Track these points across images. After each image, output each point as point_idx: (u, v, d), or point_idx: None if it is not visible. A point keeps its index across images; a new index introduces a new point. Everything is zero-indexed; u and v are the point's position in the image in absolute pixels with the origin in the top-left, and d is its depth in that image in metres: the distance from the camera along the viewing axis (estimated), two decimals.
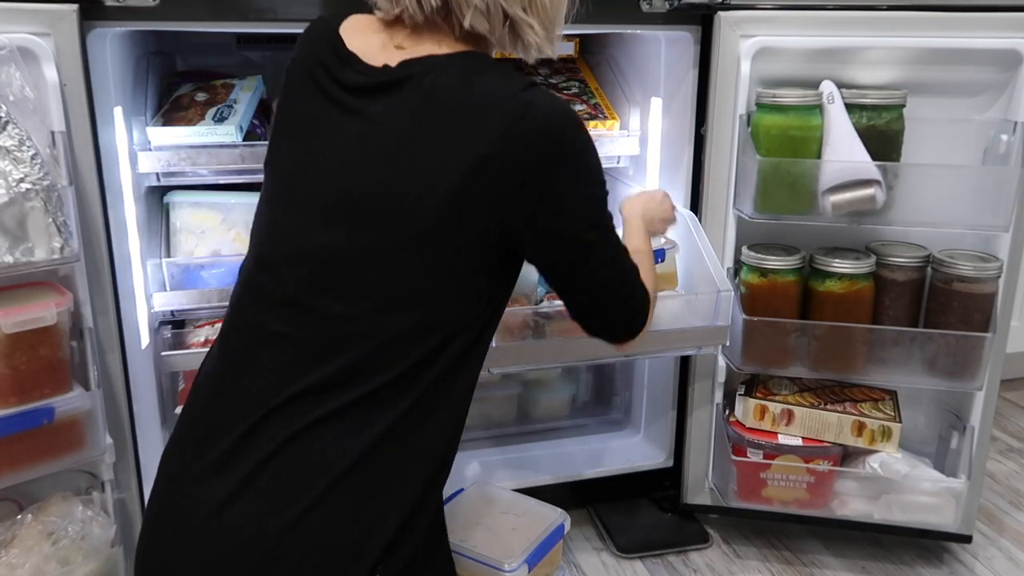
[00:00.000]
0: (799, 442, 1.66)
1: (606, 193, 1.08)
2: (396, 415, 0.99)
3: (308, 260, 1.02)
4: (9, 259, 1.20)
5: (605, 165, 1.87)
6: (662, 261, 1.55)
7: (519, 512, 1.53)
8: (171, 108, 1.59)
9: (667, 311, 1.59)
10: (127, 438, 1.48)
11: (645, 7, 1.56)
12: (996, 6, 1.55)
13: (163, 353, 1.53)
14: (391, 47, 1.04)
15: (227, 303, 1.11)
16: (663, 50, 1.73)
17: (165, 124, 1.55)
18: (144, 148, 1.53)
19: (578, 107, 1.79)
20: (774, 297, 1.63)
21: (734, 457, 1.68)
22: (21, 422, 1.26)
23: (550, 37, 1.07)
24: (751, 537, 1.85)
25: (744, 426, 1.69)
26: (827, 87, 1.55)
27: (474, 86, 0.98)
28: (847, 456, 1.68)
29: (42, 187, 1.21)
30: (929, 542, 1.81)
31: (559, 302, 1.16)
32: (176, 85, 1.67)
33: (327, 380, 0.98)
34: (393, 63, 1.02)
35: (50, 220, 1.23)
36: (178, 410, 1.11)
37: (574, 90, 1.85)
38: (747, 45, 1.55)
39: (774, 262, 1.62)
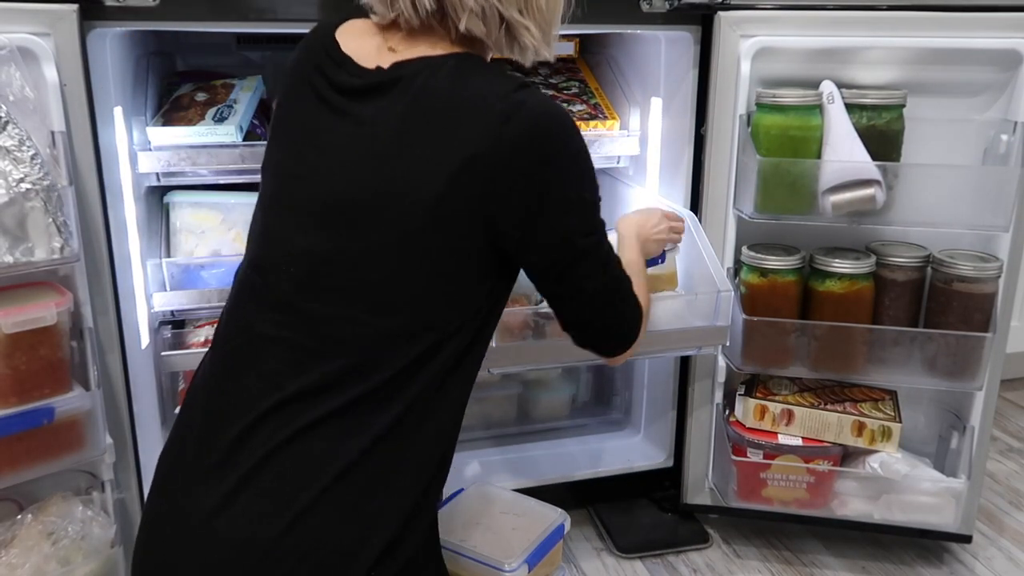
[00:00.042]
0: (799, 442, 1.66)
1: (598, 199, 1.08)
2: (391, 417, 0.99)
3: (300, 263, 1.02)
4: (9, 259, 1.20)
5: (605, 165, 1.91)
6: (662, 262, 1.56)
7: (519, 512, 1.53)
8: (171, 108, 1.59)
9: (667, 311, 1.59)
10: (127, 438, 1.48)
11: (645, 7, 1.56)
12: (996, 6, 1.55)
13: (163, 353, 1.53)
14: (385, 50, 1.04)
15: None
16: (663, 50, 1.73)
17: (165, 124, 1.55)
18: (144, 148, 1.53)
19: (578, 107, 1.79)
20: (774, 297, 1.63)
21: (734, 457, 1.68)
22: (21, 422, 1.26)
23: (547, 39, 1.07)
24: (751, 537, 1.85)
25: (744, 426, 1.69)
26: (827, 87, 1.55)
27: (464, 87, 0.98)
28: (847, 456, 1.68)
29: (42, 187, 1.21)
30: (929, 542, 1.81)
31: None
32: (176, 85, 1.67)
33: (321, 382, 0.99)
34: (386, 65, 1.02)
35: (50, 220, 1.23)
36: (177, 410, 1.11)
37: (574, 90, 1.85)
38: (747, 45, 1.55)
39: (774, 262, 1.62)
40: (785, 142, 1.55)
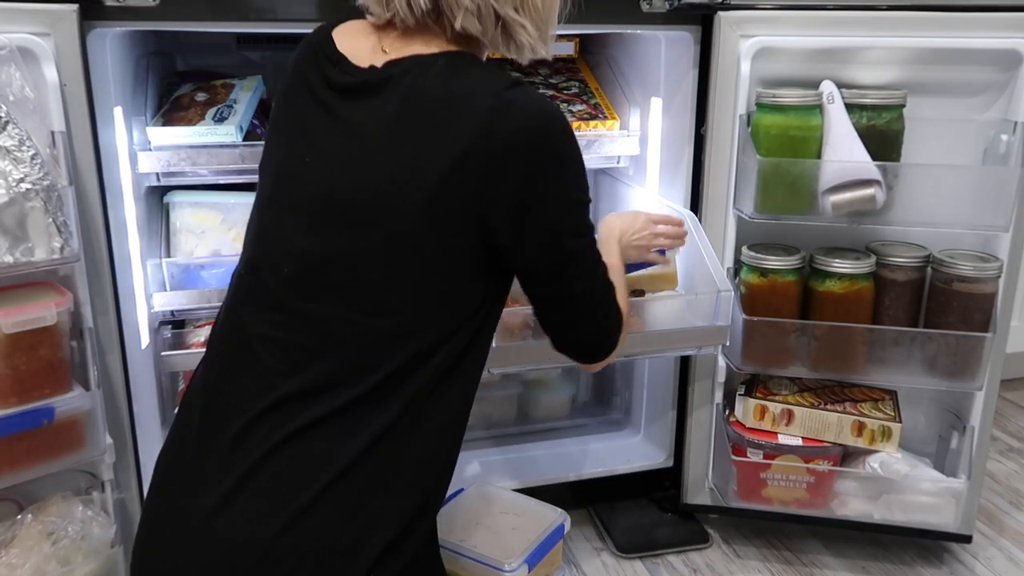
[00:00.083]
0: (799, 442, 1.66)
1: (589, 200, 1.07)
2: (389, 417, 0.99)
3: (294, 263, 1.02)
4: (9, 259, 1.20)
5: (605, 165, 1.91)
6: (662, 256, 1.56)
7: (519, 512, 1.53)
8: (171, 108, 1.59)
9: (667, 311, 1.59)
10: (127, 438, 1.48)
11: (645, 7, 1.56)
12: (996, 6, 1.55)
13: (163, 353, 1.53)
14: (379, 50, 1.04)
15: None
16: (663, 50, 1.73)
17: (165, 124, 1.55)
18: (144, 148, 1.53)
19: (578, 107, 1.79)
20: (774, 297, 1.63)
21: (734, 457, 1.68)
22: (21, 422, 1.26)
23: (543, 37, 1.07)
24: (751, 537, 1.85)
25: (744, 426, 1.69)
26: (827, 87, 1.55)
27: (455, 84, 0.98)
28: (847, 456, 1.68)
29: (42, 187, 1.21)
30: (929, 542, 1.81)
31: None
32: (176, 85, 1.67)
33: (318, 382, 0.99)
34: (379, 64, 1.02)
35: (50, 220, 1.23)
36: (176, 411, 1.11)
37: (574, 90, 1.85)
38: (747, 45, 1.55)
39: (774, 262, 1.62)
40: (785, 142, 1.55)
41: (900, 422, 1.64)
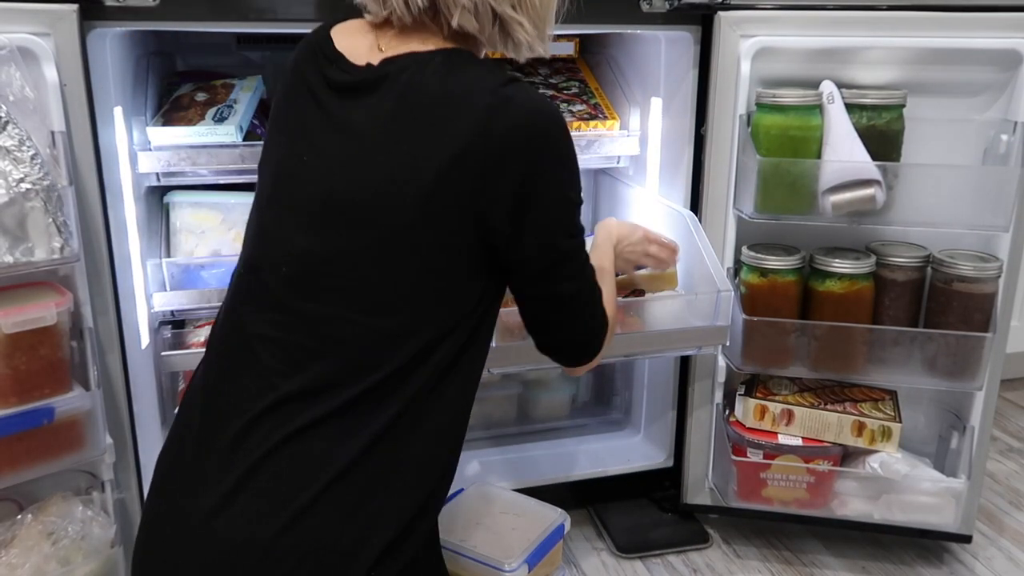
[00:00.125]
0: (799, 442, 1.66)
1: (581, 202, 1.07)
2: (388, 416, 0.99)
3: (293, 263, 1.02)
4: (9, 259, 1.20)
5: (605, 165, 1.91)
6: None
7: (519, 512, 1.53)
8: (171, 108, 1.59)
9: (667, 311, 1.59)
10: (127, 438, 1.48)
11: (645, 7, 1.56)
12: (996, 6, 1.55)
13: (163, 353, 1.53)
14: (376, 48, 1.04)
15: None
16: (663, 50, 1.73)
17: (165, 124, 1.55)
18: (144, 148, 1.53)
19: (578, 107, 1.79)
20: (774, 297, 1.63)
21: (734, 457, 1.68)
22: (21, 422, 1.26)
23: (541, 35, 1.07)
24: (751, 537, 1.85)
25: (744, 426, 1.69)
26: (827, 87, 1.55)
27: (452, 81, 0.98)
28: (847, 456, 1.68)
29: (42, 187, 1.21)
30: (929, 542, 1.81)
31: None
32: (176, 85, 1.67)
33: (316, 382, 0.99)
34: (376, 62, 1.02)
35: (50, 220, 1.23)
36: (176, 411, 1.11)
37: (574, 90, 1.85)
38: (747, 45, 1.55)
39: (774, 262, 1.62)
40: (785, 142, 1.55)
41: (900, 422, 1.64)
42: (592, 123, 1.75)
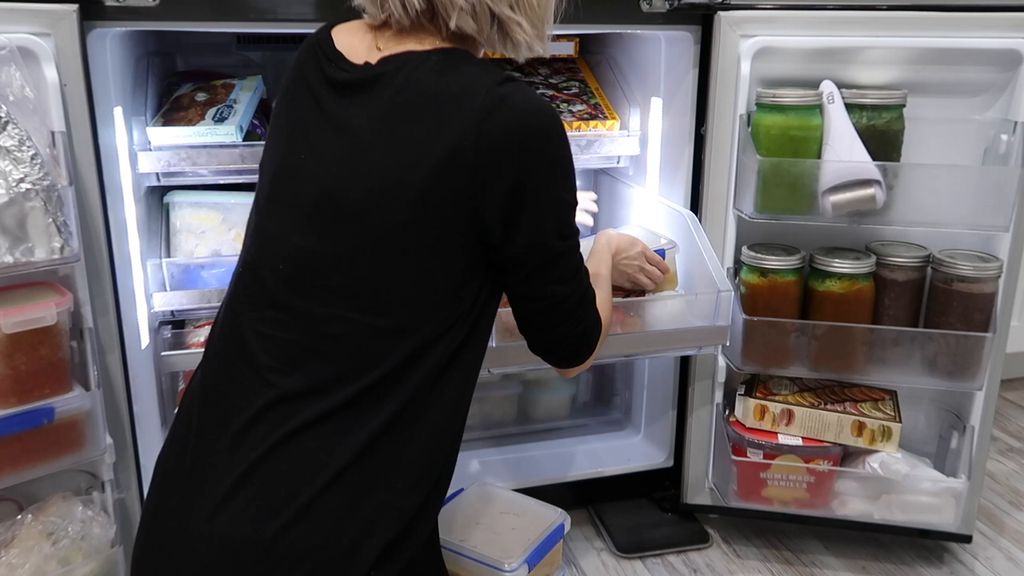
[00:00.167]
0: (799, 442, 1.66)
1: (576, 202, 1.08)
2: (386, 415, 0.99)
3: (289, 262, 1.02)
4: (9, 259, 1.20)
5: (605, 165, 1.91)
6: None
7: (519, 512, 1.53)
8: (171, 108, 1.59)
9: (667, 311, 1.59)
10: (127, 438, 1.48)
11: (645, 7, 1.56)
12: (996, 6, 1.55)
13: (163, 353, 1.53)
14: (374, 47, 1.04)
15: None
16: (663, 50, 1.73)
17: (165, 124, 1.55)
18: (144, 148, 1.53)
19: (578, 107, 1.79)
20: (774, 297, 1.63)
21: (734, 457, 1.68)
22: (21, 422, 1.26)
23: (540, 35, 1.07)
24: (751, 537, 1.85)
25: (744, 426, 1.69)
26: (827, 87, 1.55)
27: (447, 80, 0.98)
28: (847, 456, 1.68)
29: (42, 187, 1.21)
30: (929, 542, 1.81)
31: None
32: (176, 85, 1.67)
33: (314, 381, 0.99)
34: (373, 61, 1.02)
35: (50, 220, 1.23)
36: (176, 410, 1.12)
37: (574, 90, 1.85)
38: (747, 45, 1.55)
39: (774, 262, 1.62)
40: (785, 142, 1.55)
41: (900, 422, 1.64)
42: (592, 123, 1.75)
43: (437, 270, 1.00)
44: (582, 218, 1.64)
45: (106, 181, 1.40)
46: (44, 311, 1.26)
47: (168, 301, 1.56)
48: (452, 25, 1.01)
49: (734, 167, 1.61)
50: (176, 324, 1.66)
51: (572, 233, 1.08)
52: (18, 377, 1.25)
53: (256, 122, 1.61)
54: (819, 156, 1.55)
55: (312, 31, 1.13)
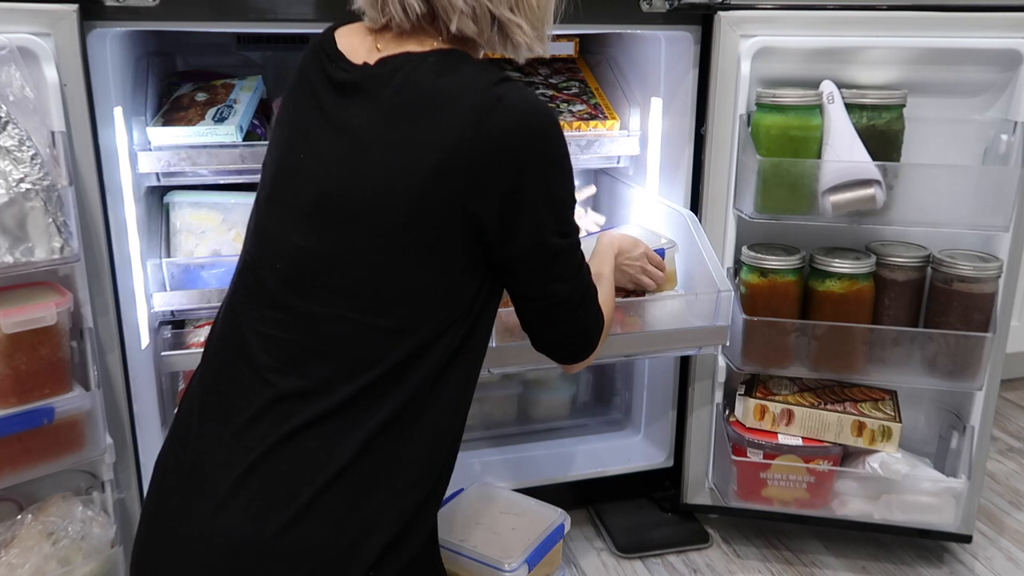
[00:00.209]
0: (799, 442, 1.66)
1: (574, 201, 1.08)
2: (385, 415, 0.99)
3: (289, 261, 1.02)
4: (9, 259, 1.20)
5: (605, 165, 1.91)
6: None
7: (519, 512, 1.53)
8: (171, 108, 1.59)
9: (667, 311, 1.59)
10: (127, 438, 1.48)
11: (645, 7, 1.56)
12: (996, 6, 1.55)
13: (163, 353, 1.53)
14: (374, 48, 1.05)
15: None
16: (663, 50, 1.73)
17: (165, 124, 1.55)
18: (144, 148, 1.53)
19: (578, 107, 1.79)
20: (774, 297, 1.63)
21: (734, 457, 1.68)
22: (21, 422, 1.26)
23: (540, 35, 1.07)
24: (751, 537, 1.85)
25: (744, 426, 1.69)
26: (827, 87, 1.55)
27: (444, 81, 0.98)
28: (847, 456, 1.68)
29: (42, 187, 1.21)
30: (929, 542, 1.81)
31: None
32: (176, 85, 1.67)
33: (313, 381, 0.99)
34: (372, 61, 1.03)
35: (50, 220, 1.23)
36: (176, 410, 1.12)
37: (574, 90, 1.85)
38: (747, 45, 1.55)
39: (774, 262, 1.62)
40: (785, 142, 1.55)
41: (900, 422, 1.64)
42: (592, 123, 1.75)
43: (437, 270, 1.00)
44: (588, 227, 1.64)
45: (106, 181, 1.40)
46: (44, 311, 1.26)
47: (168, 301, 1.56)
48: (453, 28, 1.01)
49: (734, 167, 1.61)
50: (176, 324, 1.66)
51: (572, 231, 1.08)
52: (18, 377, 1.25)
53: (256, 122, 1.61)
54: (819, 156, 1.55)
55: (311, 31, 1.13)
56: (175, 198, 1.63)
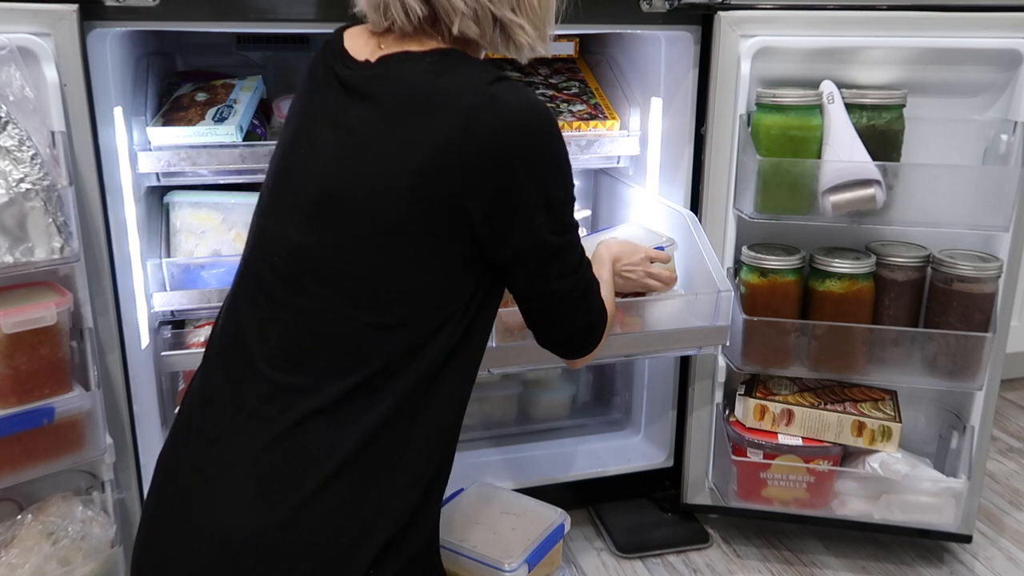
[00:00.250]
0: (799, 442, 1.66)
1: (573, 198, 1.08)
2: (382, 412, 0.99)
3: (287, 258, 1.02)
4: (9, 259, 1.20)
5: (605, 165, 1.91)
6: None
7: (519, 512, 1.53)
8: (171, 108, 1.59)
9: (667, 311, 1.59)
10: (127, 438, 1.48)
11: (645, 7, 1.56)
12: (996, 6, 1.55)
13: (163, 353, 1.53)
14: (377, 47, 1.05)
15: None
16: (663, 50, 1.73)
17: (165, 124, 1.55)
18: (144, 148, 1.53)
19: (578, 107, 1.79)
20: (774, 297, 1.63)
21: (734, 457, 1.68)
22: (21, 422, 1.26)
23: (541, 36, 1.07)
24: (751, 537, 1.85)
25: (744, 426, 1.69)
26: (827, 87, 1.55)
27: (440, 79, 0.99)
28: (847, 456, 1.68)
29: (42, 187, 1.21)
30: (929, 542, 1.81)
31: None
32: (176, 85, 1.67)
33: (312, 377, 0.99)
34: (373, 59, 1.03)
35: (50, 220, 1.23)
36: (177, 410, 1.12)
37: (574, 90, 1.85)
38: (747, 45, 1.55)
39: (774, 262, 1.62)
40: (785, 142, 1.55)
41: (900, 422, 1.64)
42: (592, 123, 1.75)
43: (436, 270, 1.01)
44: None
45: (106, 181, 1.40)
46: (44, 311, 1.26)
47: (168, 301, 1.56)
48: (455, 30, 1.01)
49: (734, 167, 1.61)
50: (176, 324, 1.66)
51: (570, 228, 1.08)
52: (18, 377, 1.25)
53: (256, 122, 1.61)
54: (819, 156, 1.55)
55: (311, 31, 1.13)
56: (175, 198, 1.63)
